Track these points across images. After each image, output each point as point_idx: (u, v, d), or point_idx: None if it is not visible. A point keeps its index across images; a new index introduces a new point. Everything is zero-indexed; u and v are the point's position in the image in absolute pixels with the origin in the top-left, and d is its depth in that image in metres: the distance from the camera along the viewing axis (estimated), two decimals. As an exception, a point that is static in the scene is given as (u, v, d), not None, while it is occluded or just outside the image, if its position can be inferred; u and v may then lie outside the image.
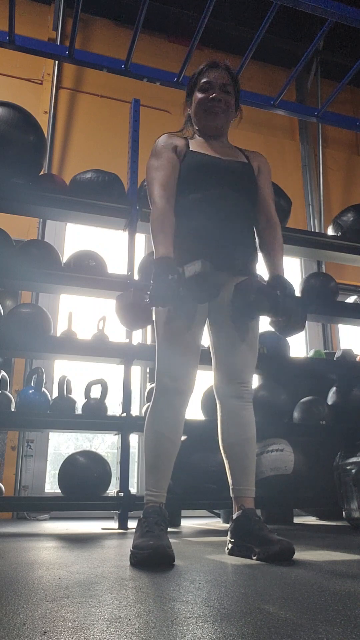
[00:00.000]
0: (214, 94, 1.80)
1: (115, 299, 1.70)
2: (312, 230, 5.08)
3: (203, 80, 1.82)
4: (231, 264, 1.75)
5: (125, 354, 2.84)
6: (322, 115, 3.60)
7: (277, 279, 1.74)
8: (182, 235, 1.73)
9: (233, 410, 1.72)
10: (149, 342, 3.28)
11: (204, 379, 2.99)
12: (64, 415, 2.84)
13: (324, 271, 4.65)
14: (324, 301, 3.43)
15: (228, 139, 1.94)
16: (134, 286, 1.69)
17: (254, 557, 1.48)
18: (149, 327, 3.45)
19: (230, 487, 1.69)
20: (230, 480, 1.70)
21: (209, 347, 1.84)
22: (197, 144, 1.85)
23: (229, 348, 1.75)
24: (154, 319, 1.74)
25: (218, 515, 3.36)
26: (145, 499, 1.60)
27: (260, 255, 1.86)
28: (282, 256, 1.84)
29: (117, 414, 2.82)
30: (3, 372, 2.94)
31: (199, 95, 1.82)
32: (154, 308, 1.68)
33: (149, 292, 1.55)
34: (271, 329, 1.74)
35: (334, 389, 3.35)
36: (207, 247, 1.71)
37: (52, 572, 1.27)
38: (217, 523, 3.12)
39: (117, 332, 3.07)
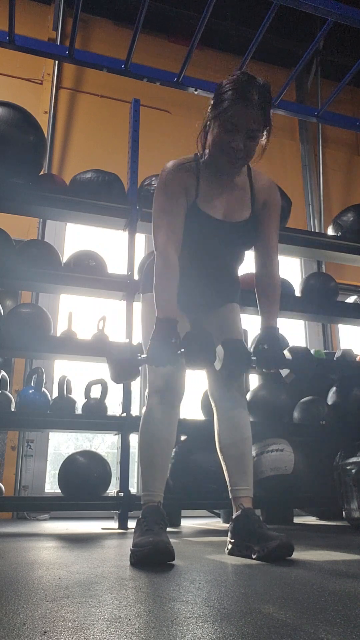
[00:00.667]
0: (236, 144, 1.55)
1: (106, 352, 1.66)
2: (312, 230, 5.08)
3: (229, 118, 1.54)
4: (214, 302, 1.83)
5: (125, 354, 2.84)
6: (322, 115, 3.60)
7: (269, 333, 1.70)
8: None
9: (228, 412, 1.74)
10: (149, 342, 3.27)
11: (203, 380, 3.00)
12: (64, 415, 2.84)
13: (324, 271, 4.65)
14: (324, 301, 3.42)
15: None
16: (127, 345, 1.66)
17: (254, 556, 1.48)
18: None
19: (229, 488, 1.70)
20: (228, 481, 1.71)
21: None
22: (205, 189, 1.68)
23: None
24: (141, 312, 1.81)
25: (218, 515, 3.36)
26: (142, 499, 1.61)
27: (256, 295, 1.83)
28: (278, 302, 1.78)
29: (117, 414, 2.82)
30: (3, 372, 2.94)
31: (221, 132, 1.56)
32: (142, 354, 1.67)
33: (142, 354, 1.56)
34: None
35: (334, 389, 3.35)
36: (196, 299, 1.79)
37: (52, 572, 1.27)
38: (217, 523, 3.11)
39: (117, 332, 3.07)
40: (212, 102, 1.61)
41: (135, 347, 1.60)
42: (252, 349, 1.64)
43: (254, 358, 1.59)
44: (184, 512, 3.01)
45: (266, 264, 1.78)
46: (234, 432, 1.72)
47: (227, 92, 1.55)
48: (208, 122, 1.61)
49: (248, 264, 1.90)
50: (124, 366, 1.56)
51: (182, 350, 1.50)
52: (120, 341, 1.59)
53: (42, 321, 2.88)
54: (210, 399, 1.80)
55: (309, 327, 4.85)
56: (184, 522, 2.98)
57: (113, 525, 2.67)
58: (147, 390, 1.74)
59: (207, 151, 1.67)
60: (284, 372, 1.66)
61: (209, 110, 1.61)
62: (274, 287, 1.77)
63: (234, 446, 1.71)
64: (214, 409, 1.78)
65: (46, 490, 3.67)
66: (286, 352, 1.64)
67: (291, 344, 3.44)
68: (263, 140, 1.63)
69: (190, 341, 1.52)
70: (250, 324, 3.19)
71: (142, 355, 1.55)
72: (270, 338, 1.67)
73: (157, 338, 1.51)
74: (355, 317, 3.51)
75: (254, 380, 3.42)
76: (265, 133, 1.61)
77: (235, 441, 1.71)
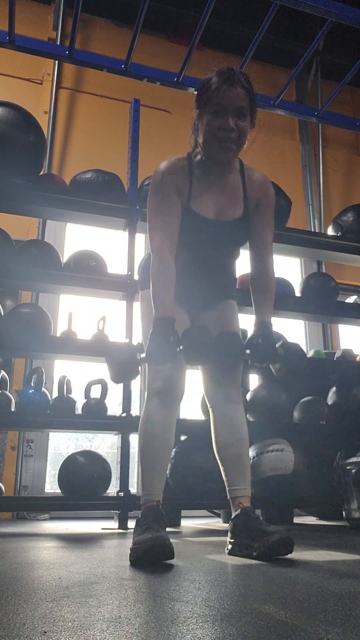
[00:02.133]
0: (227, 124, 1.56)
1: (105, 353, 1.65)
2: (312, 230, 5.08)
3: (216, 101, 1.57)
4: (211, 298, 1.85)
5: (125, 354, 2.84)
6: (322, 115, 3.60)
7: (262, 328, 1.72)
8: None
9: (224, 413, 1.74)
10: (149, 342, 3.28)
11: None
12: (64, 415, 2.84)
13: (324, 271, 4.65)
14: (324, 301, 3.42)
15: None
16: (127, 345, 1.68)
17: (254, 554, 1.48)
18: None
19: (227, 489, 1.70)
20: (225, 482, 1.71)
21: None
22: (198, 188, 1.70)
23: None
24: (140, 309, 1.82)
25: (218, 515, 3.36)
26: (142, 499, 1.61)
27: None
28: (272, 299, 1.79)
29: (117, 414, 2.82)
30: (3, 372, 2.94)
31: (210, 118, 1.58)
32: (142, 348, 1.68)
33: (142, 353, 1.57)
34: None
35: (334, 389, 3.35)
36: (191, 296, 1.79)
37: (52, 572, 1.27)
38: (217, 523, 3.11)
39: (117, 332, 3.07)
40: (197, 98, 1.65)
41: (134, 347, 1.61)
42: (246, 344, 1.66)
43: (248, 352, 1.61)
44: (184, 512, 3.01)
45: (261, 260, 1.79)
46: (230, 432, 1.72)
47: (211, 80, 1.61)
48: (197, 119, 1.65)
49: (246, 265, 1.91)
50: (124, 366, 1.57)
51: (181, 347, 1.51)
52: (119, 341, 1.60)
53: (42, 321, 2.88)
54: (206, 398, 1.81)
55: (309, 327, 4.85)
56: (184, 522, 2.98)
57: (113, 525, 2.67)
58: (146, 390, 1.74)
59: (199, 149, 1.69)
60: (275, 367, 1.71)
61: (195, 107, 1.65)
62: (269, 283, 1.79)
63: (231, 446, 1.71)
64: (210, 409, 1.78)
65: (46, 490, 3.67)
66: (279, 348, 1.68)
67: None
68: (247, 126, 1.63)
69: (189, 338, 1.53)
70: (249, 324, 3.20)
71: (142, 355, 1.55)
72: (264, 333, 1.69)
73: (155, 337, 1.53)
74: (355, 317, 3.51)
75: (253, 381, 3.42)
76: (251, 110, 1.62)
77: (232, 441, 1.71)
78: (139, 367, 1.60)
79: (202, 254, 1.76)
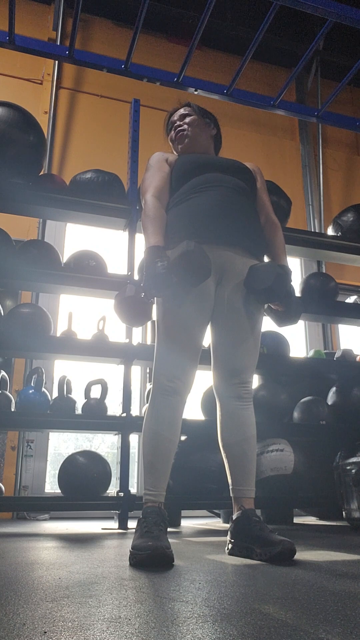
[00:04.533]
0: (176, 128, 2.07)
1: (114, 298, 1.70)
2: (312, 230, 5.08)
3: (169, 123, 2.13)
4: (237, 240, 1.77)
5: (125, 354, 2.84)
6: (322, 115, 3.60)
7: (284, 268, 1.81)
8: (178, 223, 1.77)
9: (233, 410, 1.71)
10: (149, 342, 3.28)
11: (204, 379, 3.00)
12: (64, 415, 2.84)
13: (324, 271, 4.65)
14: (324, 301, 3.42)
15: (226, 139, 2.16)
16: (131, 281, 1.67)
17: (256, 558, 1.48)
18: (148, 326, 3.46)
19: (230, 487, 1.69)
20: (230, 481, 1.70)
21: (209, 347, 1.83)
22: (186, 156, 2.00)
23: (230, 348, 1.74)
24: (154, 317, 1.76)
25: (218, 515, 3.36)
26: (144, 498, 1.60)
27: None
28: (285, 252, 1.92)
29: (117, 414, 2.82)
30: (3, 372, 2.94)
31: (170, 134, 2.11)
32: (154, 304, 1.69)
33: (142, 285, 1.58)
34: (271, 328, 1.77)
35: (334, 389, 3.35)
36: (207, 224, 1.74)
37: (52, 572, 1.27)
38: (217, 523, 3.11)
39: (117, 332, 3.07)
40: (166, 130, 2.16)
41: (139, 287, 1.62)
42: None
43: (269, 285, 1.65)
44: (184, 512, 3.01)
45: (261, 210, 1.96)
46: (237, 431, 1.69)
47: (168, 114, 2.17)
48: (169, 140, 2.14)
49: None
50: (132, 305, 1.59)
51: (177, 271, 1.53)
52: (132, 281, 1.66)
53: (42, 321, 2.88)
54: (214, 393, 1.78)
55: (309, 327, 4.86)
56: (184, 522, 2.98)
57: (113, 525, 2.67)
58: (151, 388, 1.72)
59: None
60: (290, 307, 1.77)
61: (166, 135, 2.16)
62: (276, 229, 1.94)
63: (236, 445, 1.69)
64: (218, 406, 1.75)
65: (46, 490, 3.67)
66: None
67: (291, 344, 3.43)
68: (213, 130, 2.09)
69: (182, 258, 1.53)
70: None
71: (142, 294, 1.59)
72: (285, 271, 1.78)
73: (146, 267, 1.58)
74: (355, 317, 3.51)
75: (253, 381, 3.42)
76: (209, 122, 2.09)
77: (238, 440, 1.69)
78: (150, 308, 1.64)
79: (206, 176, 1.85)
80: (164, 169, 1.92)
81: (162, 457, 1.63)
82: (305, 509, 3.44)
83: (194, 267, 1.52)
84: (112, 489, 2.85)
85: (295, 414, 3.24)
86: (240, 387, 1.73)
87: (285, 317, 1.74)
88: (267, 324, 1.96)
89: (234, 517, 1.63)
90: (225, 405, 1.73)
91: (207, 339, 1.83)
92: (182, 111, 2.11)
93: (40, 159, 3.04)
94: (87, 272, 2.94)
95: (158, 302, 1.76)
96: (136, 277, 2.96)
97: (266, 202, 1.99)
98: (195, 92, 3.32)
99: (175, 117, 2.12)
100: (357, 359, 3.57)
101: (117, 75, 3.30)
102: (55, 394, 2.96)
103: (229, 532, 1.63)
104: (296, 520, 3.18)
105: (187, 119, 2.08)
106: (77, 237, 4.29)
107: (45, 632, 0.74)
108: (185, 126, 2.05)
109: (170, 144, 2.14)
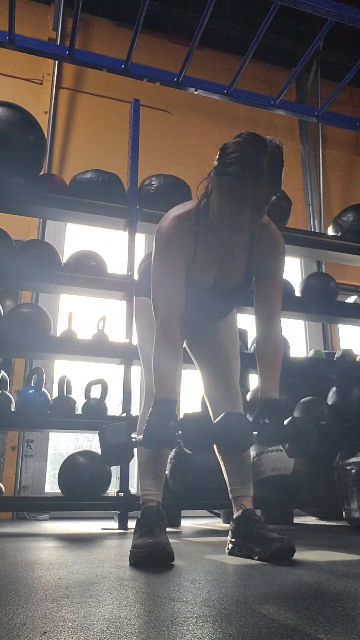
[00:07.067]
0: (241, 217, 1.43)
1: (99, 434, 1.46)
2: (312, 230, 5.08)
3: (233, 192, 1.40)
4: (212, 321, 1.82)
5: (125, 354, 2.84)
6: (322, 115, 3.60)
7: (269, 406, 1.53)
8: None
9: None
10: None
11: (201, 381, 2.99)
12: (64, 415, 2.84)
13: (324, 271, 4.65)
14: (324, 301, 3.42)
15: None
16: (121, 427, 1.51)
17: (255, 557, 1.48)
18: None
19: (228, 488, 1.70)
20: (227, 482, 1.71)
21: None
22: (202, 255, 1.60)
23: (211, 360, 1.80)
24: (134, 315, 1.81)
25: (218, 515, 3.36)
26: (141, 499, 1.61)
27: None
28: (279, 371, 1.61)
29: (117, 414, 2.82)
30: (3, 372, 2.94)
31: (224, 205, 1.45)
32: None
33: (136, 433, 1.52)
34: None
35: (334, 389, 3.35)
36: (190, 318, 1.67)
37: (52, 572, 1.27)
38: (217, 523, 3.11)
39: (117, 332, 3.07)
40: (216, 162, 1.45)
41: (130, 428, 1.47)
42: (252, 422, 1.51)
43: (255, 433, 1.48)
44: (184, 512, 3.01)
45: (268, 327, 1.65)
46: None
47: (232, 162, 1.38)
48: (215, 176, 1.45)
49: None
50: (118, 451, 1.44)
51: (180, 432, 1.40)
52: (114, 423, 1.45)
53: (42, 321, 2.88)
54: (205, 399, 1.81)
55: (309, 327, 4.86)
56: (184, 522, 2.98)
57: (113, 525, 2.67)
58: (144, 390, 1.73)
59: (210, 204, 1.53)
60: (285, 447, 1.57)
61: (214, 167, 1.46)
62: (276, 354, 1.62)
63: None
64: (210, 411, 1.78)
65: (46, 490, 3.67)
66: (288, 427, 1.51)
67: (291, 344, 3.43)
68: (264, 215, 1.53)
69: (189, 424, 1.41)
70: (249, 325, 3.20)
71: (138, 437, 1.45)
72: (272, 412, 1.50)
73: (155, 419, 1.40)
74: (355, 317, 3.51)
75: (253, 380, 3.42)
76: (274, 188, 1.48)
77: None
78: (134, 450, 1.47)
79: (199, 310, 1.72)
80: (181, 272, 1.57)
81: (157, 457, 1.63)
82: (305, 509, 3.44)
83: (201, 441, 1.42)
84: (112, 489, 2.85)
85: (295, 414, 3.23)
86: (229, 390, 1.77)
87: (292, 453, 1.53)
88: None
89: (235, 516, 1.63)
90: (217, 409, 1.74)
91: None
92: (262, 197, 1.43)
93: (40, 159, 3.04)
94: (87, 272, 2.94)
95: (138, 306, 1.78)
96: (136, 277, 2.95)
97: (272, 305, 1.66)
98: (195, 92, 3.33)
99: (248, 198, 1.40)
100: (357, 359, 3.57)
101: (117, 75, 3.31)
102: (55, 394, 2.96)
103: (229, 532, 1.63)
104: (296, 520, 3.18)
105: (259, 214, 1.47)
106: (77, 237, 4.29)
107: (45, 632, 0.74)
108: (255, 222, 1.49)
109: (211, 185, 1.50)
